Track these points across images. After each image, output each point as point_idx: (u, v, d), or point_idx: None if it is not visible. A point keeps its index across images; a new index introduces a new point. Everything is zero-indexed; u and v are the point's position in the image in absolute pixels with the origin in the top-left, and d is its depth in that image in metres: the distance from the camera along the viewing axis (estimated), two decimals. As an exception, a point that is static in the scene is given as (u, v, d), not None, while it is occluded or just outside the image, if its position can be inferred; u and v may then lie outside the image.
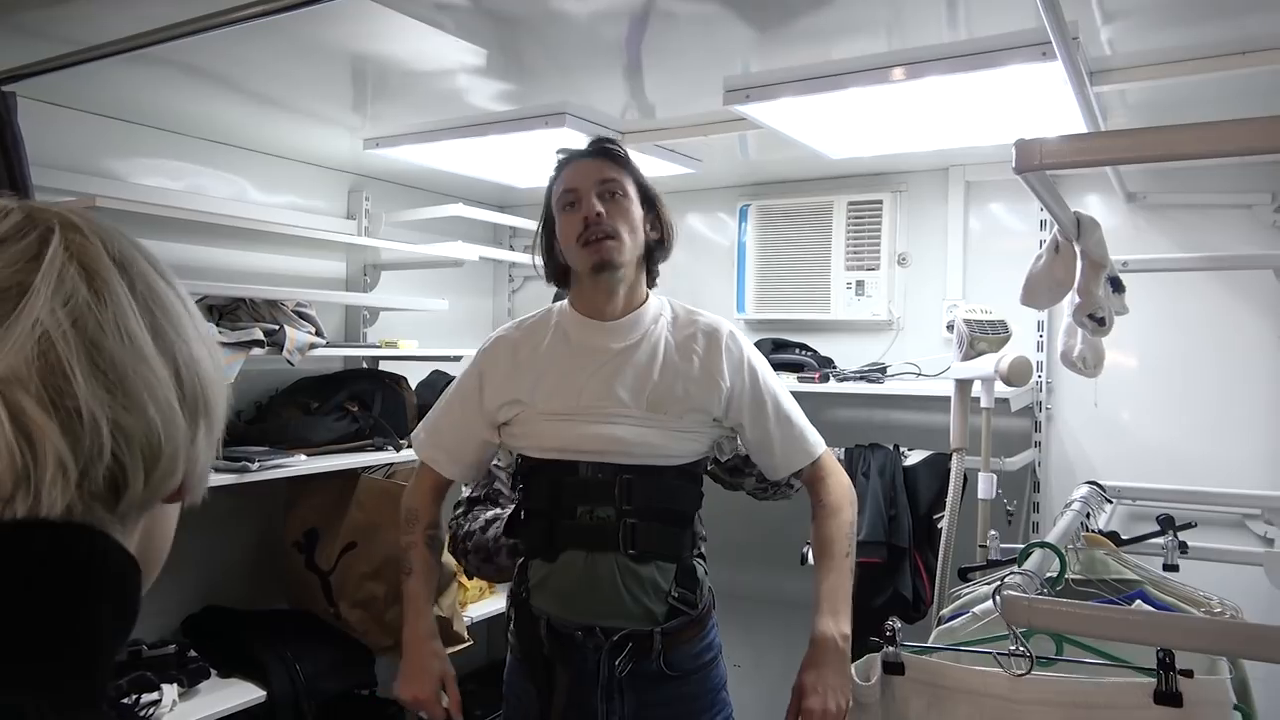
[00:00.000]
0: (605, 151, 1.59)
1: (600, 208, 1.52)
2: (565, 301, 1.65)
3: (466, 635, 2.55)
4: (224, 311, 2.35)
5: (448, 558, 2.51)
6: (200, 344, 0.57)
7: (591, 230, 1.51)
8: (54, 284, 0.50)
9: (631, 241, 1.55)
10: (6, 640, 0.46)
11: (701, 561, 1.63)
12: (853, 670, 1.42)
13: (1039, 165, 1.13)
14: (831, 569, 1.55)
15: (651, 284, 1.66)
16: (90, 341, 0.50)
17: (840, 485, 1.62)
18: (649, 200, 1.61)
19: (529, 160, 2.68)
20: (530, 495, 1.60)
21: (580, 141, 2.27)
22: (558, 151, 1.64)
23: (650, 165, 2.70)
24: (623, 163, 1.59)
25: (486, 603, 2.85)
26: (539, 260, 1.66)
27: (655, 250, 1.62)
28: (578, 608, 1.51)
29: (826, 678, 1.42)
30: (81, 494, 0.49)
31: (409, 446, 2.63)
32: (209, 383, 0.57)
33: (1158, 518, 2.13)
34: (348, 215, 3.07)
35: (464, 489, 2.07)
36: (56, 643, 0.48)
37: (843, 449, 2.67)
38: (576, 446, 1.52)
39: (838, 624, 1.49)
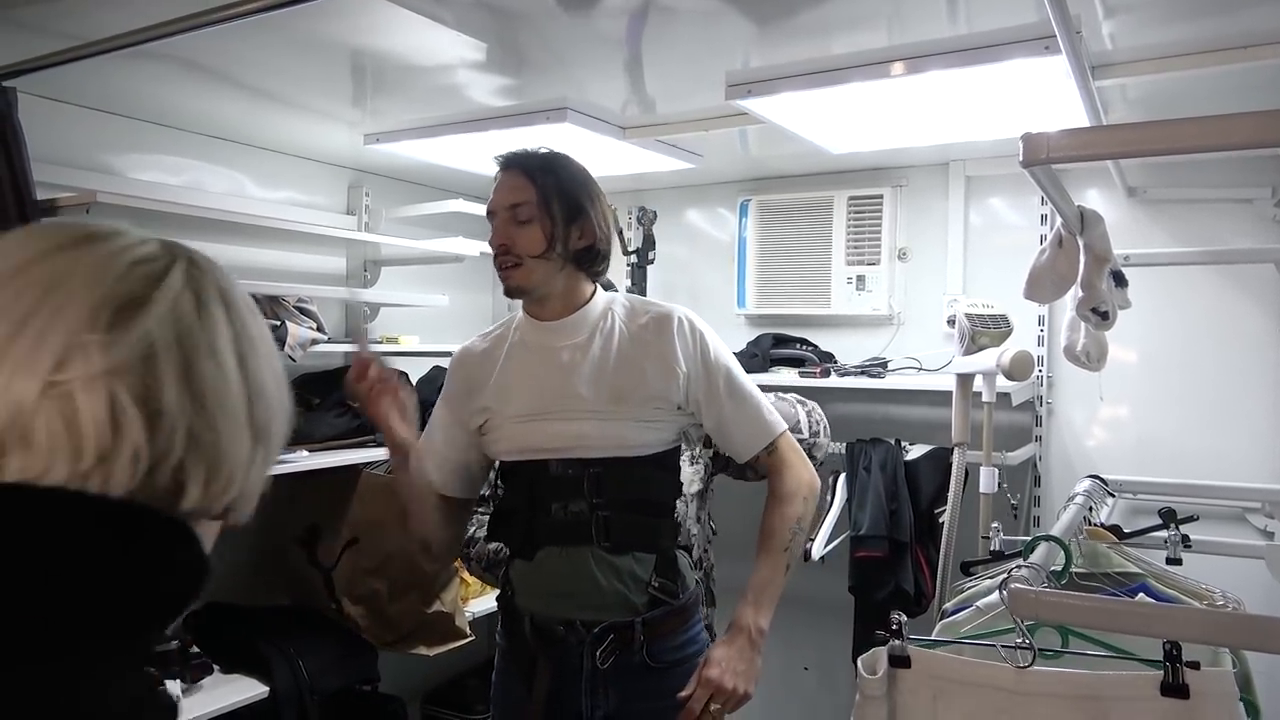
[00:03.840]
0: (517, 164, 1.58)
1: (504, 237, 1.55)
2: (521, 307, 1.68)
3: (468, 630, 2.55)
4: (225, 308, 2.34)
5: (449, 553, 2.52)
6: (272, 375, 0.64)
7: (499, 259, 1.56)
8: (169, 304, 0.58)
9: (539, 263, 1.56)
10: (68, 591, 0.51)
11: (685, 553, 1.64)
12: (859, 664, 1.42)
13: (1046, 159, 1.13)
14: (766, 561, 1.56)
15: (598, 282, 1.66)
16: (186, 357, 0.57)
17: (796, 477, 1.62)
18: (572, 210, 1.57)
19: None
20: (508, 496, 1.63)
21: (581, 139, 2.27)
22: (495, 158, 1.64)
23: (650, 160, 2.69)
24: (534, 177, 1.56)
25: (488, 598, 2.84)
26: None
27: (584, 256, 1.59)
28: (559, 602, 1.53)
29: (733, 659, 1.46)
30: (144, 488, 0.55)
31: (410, 442, 2.63)
32: (275, 411, 0.64)
33: (1159, 511, 2.13)
34: (348, 211, 3.06)
35: None
36: (109, 600, 0.53)
37: (844, 444, 2.67)
38: (544, 445, 1.55)
39: (757, 616, 1.52)
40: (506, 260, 1.56)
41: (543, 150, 1.62)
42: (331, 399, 2.57)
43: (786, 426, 1.65)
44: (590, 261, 1.61)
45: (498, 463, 1.66)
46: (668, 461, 1.61)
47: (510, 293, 1.59)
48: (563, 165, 1.61)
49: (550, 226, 1.55)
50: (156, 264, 0.60)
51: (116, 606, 0.53)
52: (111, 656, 0.54)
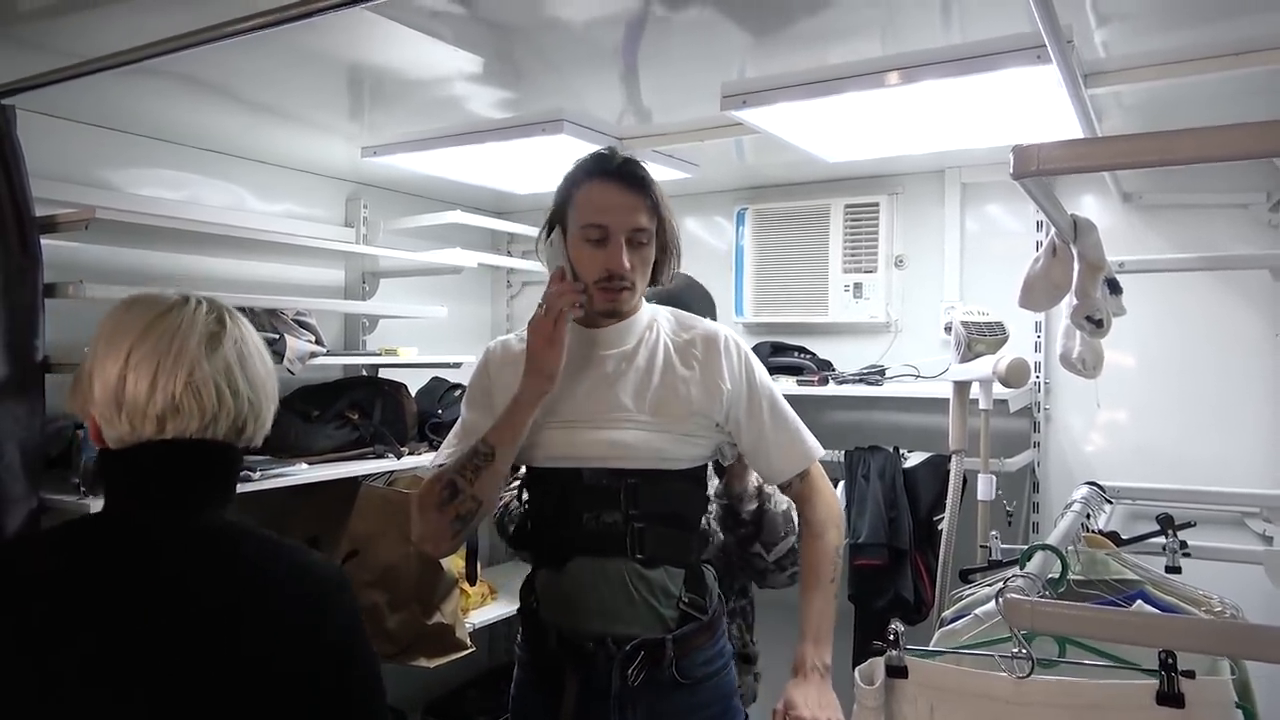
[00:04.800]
0: (639, 183, 1.51)
1: (629, 262, 1.48)
2: None
3: (469, 641, 2.54)
4: (223, 321, 2.34)
5: (448, 563, 2.52)
6: (271, 371, 1.18)
7: (615, 282, 1.49)
8: (232, 337, 1.12)
9: (643, 284, 1.55)
10: (202, 488, 1.09)
11: (710, 567, 1.63)
12: (856, 674, 1.42)
13: (1036, 171, 1.14)
14: (818, 596, 1.55)
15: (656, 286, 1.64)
16: (243, 363, 1.12)
17: (827, 505, 1.61)
18: (675, 230, 1.57)
19: (527, 166, 2.68)
20: (536, 504, 1.60)
21: (578, 150, 2.27)
22: (583, 157, 1.56)
23: (648, 171, 2.70)
24: (651, 196, 1.51)
25: (488, 609, 2.85)
26: (542, 251, 1.60)
27: (658, 267, 1.58)
28: (588, 616, 1.50)
29: (812, 697, 1.45)
30: (229, 432, 1.11)
31: (410, 454, 2.63)
32: (274, 385, 1.19)
33: (1157, 517, 2.13)
34: (346, 223, 3.07)
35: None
36: (221, 489, 1.12)
37: (842, 452, 2.67)
38: (581, 453, 1.51)
39: (819, 653, 1.50)
40: (621, 284, 1.50)
41: (629, 158, 1.54)
42: (331, 411, 2.57)
43: (822, 452, 1.64)
44: (660, 274, 1.59)
45: (523, 469, 1.62)
46: (699, 476, 1.60)
47: (608, 316, 1.53)
48: (651, 176, 1.55)
49: (661, 249, 1.55)
50: (215, 314, 1.13)
51: (224, 486, 1.13)
52: (224, 507, 1.12)
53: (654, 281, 1.59)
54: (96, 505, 1.91)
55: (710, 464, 1.84)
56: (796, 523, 1.73)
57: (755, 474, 1.80)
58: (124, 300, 1.12)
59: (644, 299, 1.62)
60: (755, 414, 1.57)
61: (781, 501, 1.83)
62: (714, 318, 2.02)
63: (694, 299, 2.01)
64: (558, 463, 1.54)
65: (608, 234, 1.48)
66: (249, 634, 1.01)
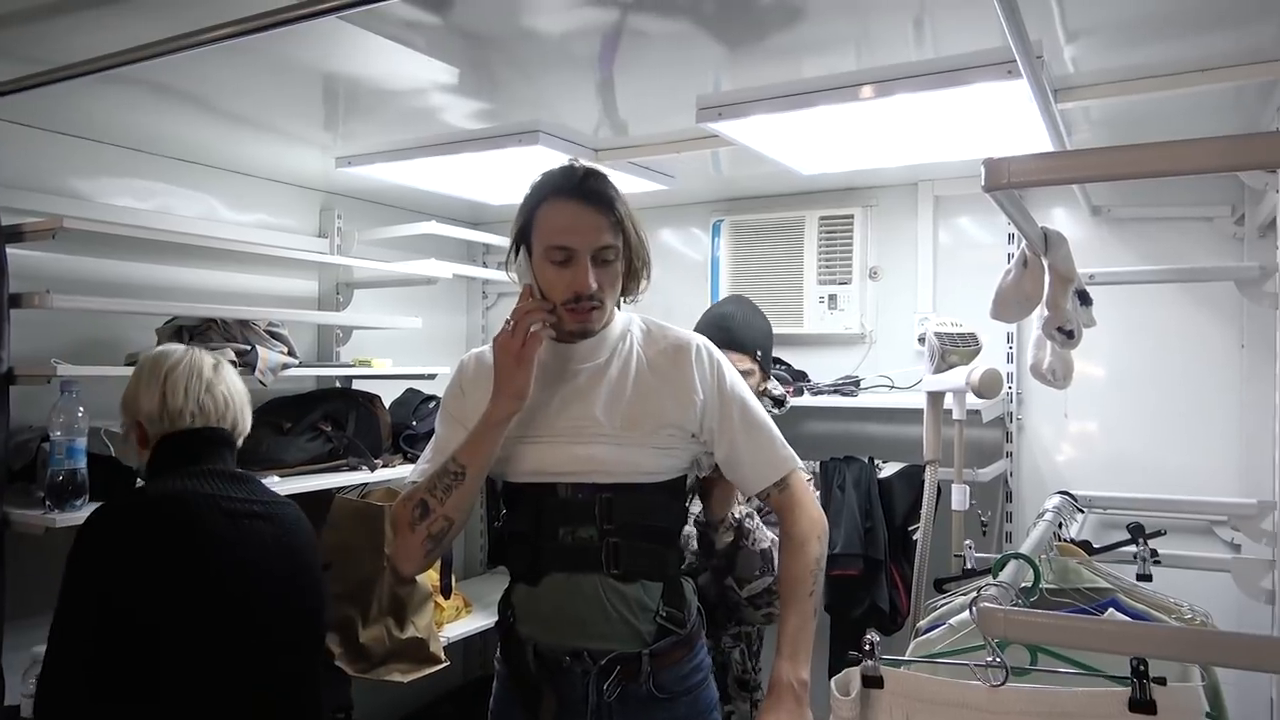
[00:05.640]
0: (603, 199, 1.49)
1: (595, 283, 1.46)
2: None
3: (443, 656, 2.52)
4: (195, 332, 2.32)
5: (422, 576, 2.50)
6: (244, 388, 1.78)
7: (583, 302, 1.48)
8: (227, 369, 1.75)
9: (613, 300, 1.54)
10: (194, 456, 1.64)
11: (689, 580, 1.62)
12: (832, 685, 1.42)
13: (1007, 184, 1.15)
14: (794, 611, 1.52)
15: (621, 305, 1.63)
16: (236, 383, 1.75)
17: (809, 517, 1.58)
18: (641, 244, 1.55)
19: (502, 178, 2.68)
20: (511, 520, 1.58)
21: (554, 161, 2.27)
22: (545, 174, 1.54)
23: (624, 182, 2.69)
24: (615, 212, 1.49)
25: (463, 623, 2.82)
26: (512, 273, 1.60)
27: (627, 282, 1.57)
28: (564, 631, 1.49)
29: (783, 718, 1.44)
30: (232, 426, 1.71)
31: (384, 466, 2.61)
32: (248, 399, 1.79)
33: (1128, 526, 2.16)
34: (319, 234, 3.05)
35: None
36: (231, 454, 1.71)
37: (818, 462, 2.68)
38: (555, 469, 1.51)
39: (796, 669, 1.47)
40: (589, 304, 1.48)
41: (593, 169, 1.53)
42: (303, 423, 2.55)
43: (800, 464, 1.61)
44: (635, 284, 1.58)
45: (500, 485, 1.61)
46: (677, 488, 1.58)
47: (580, 335, 1.52)
48: (617, 190, 1.53)
49: (628, 265, 1.53)
50: (214, 355, 1.76)
51: (232, 453, 1.71)
52: (232, 465, 1.70)
53: (625, 294, 1.58)
54: (64, 519, 1.89)
55: (691, 484, 1.82)
56: (777, 564, 1.70)
57: (738, 506, 1.78)
58: (149, 356, 1.72)
59: (617, 310, 1.61)
60: (727, 423, 1.56)
61: (763, 540, 1.78)
62: (768, 332, 2.06)
63: (745, 315, 2.05)
64: (532, 478, 1.53)
65: (573, 255, 1.46)
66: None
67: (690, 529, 1.87)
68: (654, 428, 1.51)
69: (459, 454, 1.48)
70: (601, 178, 1.52)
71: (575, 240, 1.46)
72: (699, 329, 2.09)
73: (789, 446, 1.61)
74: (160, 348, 1.74)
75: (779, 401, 2.07)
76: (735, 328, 2.00)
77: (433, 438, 1.62)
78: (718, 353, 1.61)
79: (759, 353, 2.00)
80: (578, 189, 1.49)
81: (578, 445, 1.50)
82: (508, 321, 1.49)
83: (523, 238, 1.54)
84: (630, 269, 1.55)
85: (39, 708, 1.48)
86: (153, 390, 1.64)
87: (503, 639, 1.59)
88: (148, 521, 1.53)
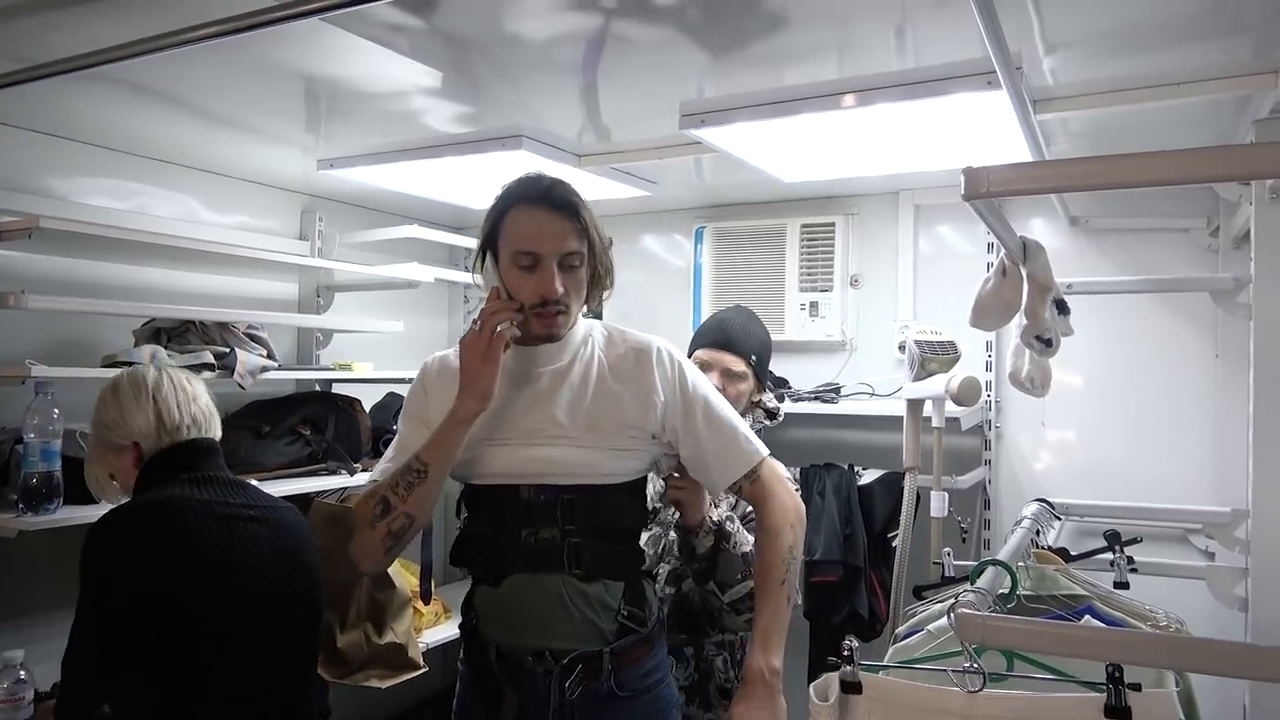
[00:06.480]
0: (568, 207, 1.52)
1: (561, 287, 1.49)
2: None
3: (422, 661, 2.51)
4: (172, 334, 2.30)
5: (401, 581, 2.49)
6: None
7: (549, 307, 1.50)
8: (203, 387, 1.77)
9: (578, 306, 1.56)
10: (190, 465, 1.66)
11: (650, 580, 1.63)
12: (811, 691, 1.43)
13: (986, 193, 1.16)
14: (767, 600, 1.53)
15: (590, 313, 1.65)
16: (209, 401, 1.75)
17: (781, 506, 1.58)
18: (605, 249, 1.57)
19: (485, 182, 2.66)
20: (473, 521, 1.60)
21: (537, 167, 2.27)
22: (512, 182, 1.56)
23: (606, 188, 2.71)
24: (580, 219, 1.52)
25: (441, 628, 2.81)
26: (479, 279, 1.62)
27: (590, 289, 1.59)
28: (526, 631, 1.50)
29: (754, 711, 1.45)
30: (204, 434, 1.71)
31: (363, 471, 2.59)
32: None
33: (1105, 534, 2.18)
34: (300, 236, 3.03)
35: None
36: (206, 464, 1.68)
37: (798, 469, 2.69)
38: (517, 470, 1.52)
39: (768, 658, 1.48)
40: (555, 309, 1.50)
41: (557, 180, 1.55)
42: (282, 427, 2.53)
43: (768, 453, 1.61)
44: (598, 292, 1.60)
45: (463, 487, 1.62)
46: (638, 488, 1.60)
47: (545, 340, 1.54)
48: (582, 199, 1.55)
49: (593, 271, 1.55)
50: (190, 371, 1.92)
51: (221, 463, 1.72)
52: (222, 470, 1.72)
53: (589, 302, 1.60)
54: (37, 522, 1.87)
55: (658, 489, 1.82)
56: None
57: (714, 509, 1.79)
58: (114, 380, 1.70)
59: (581, 316, 1.62)
60: (690, 422, 1.57)
61: (744, 543, 1.79)
62: (766, 343, 2.06)
63: (744, 321, 2.07)
64: (494, 480, 1.55)
65: (539, 260, 1.49)
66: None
67: (672, 535, 1.88)
68: (615, 429, 1.53)
69: (422, 452, 1.50)
70: (567, 186, 1.55)
71: (542, 246, 1.49)
72: (697, 331, 2.11)
73: (756, 439, 1.62)
74: (129, 369, 1.74)
75: (772, 414, 2.08)
76: (731, 330, 2.02)
77: (395, 437, 1.64)
78: (679, 354, 1.62)
79: (753, 358, 2.00)
80: (544, 197, 1.52)
81: (540, 447, 1.52)
82: (475, 321, 1.51)
83: (489, 244, 1.56)
84: (594, 276, 1.57)
85: (61, 710, 1.56)
86: (144, 409, 1.65)
87: (465, 641, 1.61)
88: (143, 526, 1.55)
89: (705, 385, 1.62)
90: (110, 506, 1.61)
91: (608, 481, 1.53)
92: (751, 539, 1.78)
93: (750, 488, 1.59)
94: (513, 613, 1.52)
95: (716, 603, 1.83)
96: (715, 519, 1.78)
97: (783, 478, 1.63)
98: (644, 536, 1.89)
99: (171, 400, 1.68)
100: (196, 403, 1.70)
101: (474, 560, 1.60)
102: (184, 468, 1.65)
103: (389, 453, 1.62)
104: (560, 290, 1.49)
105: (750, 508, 1.71)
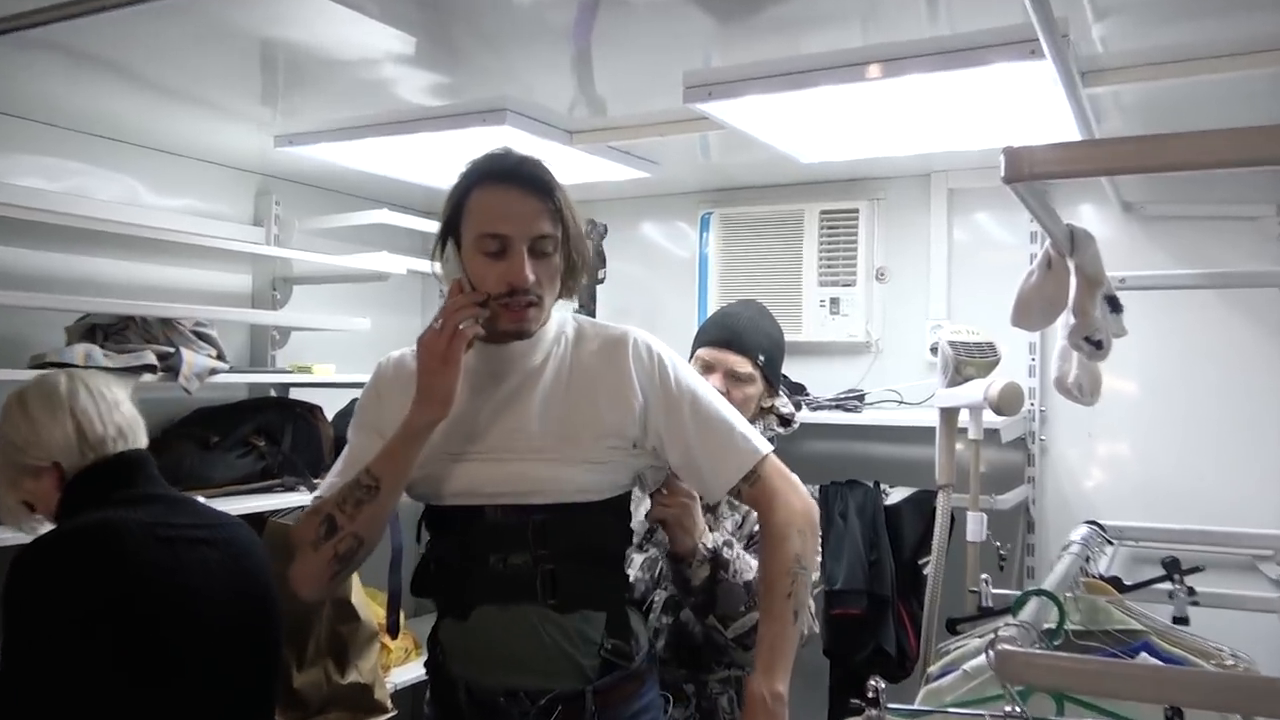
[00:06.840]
0: (541, 185, 1.51)
1: (532, 275, 1.47)
2: None
3: (389, 705, 2.50)
4: (110, 332, 2.30)
5: (367, 613, 2.48)
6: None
7: (519, 297, 1.48)
8: (117, 385, 1.74)
9: (551, 298, 1.55)
10: (124, 482, 1.65)
11: (637, 610, 1.62)
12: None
13: (1029, 175, 1.16)
14: (771, 616, 1.50)
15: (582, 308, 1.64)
16: (135, 412, 1.73)
17: (788, 509, 1.54)
18: (580, 233, 1.56)
19: (464, 162, 2.67)
20: (436, 546, 1.59)
21: (523, 144, 2.28)
22: (477, 158, 1.55)
23: (601, 168, 2.72)
24: (554, 199, 1.51)
25: (412, 666, 2.80)
26: (439, 269, 1.61)
27: (564, 281, 1.58)
28: (498, 669, 1.49)
29: None
30: (130, 446, 1.69)
31: (325, 487, 2.59)
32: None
33: (1162, 561, 2.18)
34: (255, 222, 3.03)
35: None
36: (142, 480, 1.67)
37: (817, 486, 2.68)
38: (483, 489, 1.51)
39: (770, 682, 1.46)
40: (526, 299, 1.48)
41: (527, 157, 1.55)
42: (233, 437, 2.53)
43: (770, 450, 1.58)
44: (573, 282, 1.58)
45: (423, 508, 1.61)
46: (620, 506, 1.59)
47: (514, 336, 1.52)
48: (555, 178, 1.54)
49: (567, 260, 1.53)
50: (109, 374, 1.86)
51: (157, 477, 1.72)
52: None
53: (564, 295, 1.58)
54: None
55: (643, 512, 1.81)
56: None
57: (709, 534, 1.77)
58: (18, 394, 1.67)
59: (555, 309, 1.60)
60: (676, 421, 1.54)
61: (746, 570, 1.77)
62: (779, 342, 2.04)
63: (752, 316, 2.06)
64: (456, 500, 1.53)
65: (507, 244, 1.47)
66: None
67: (665, 563, 1.87)
68: (592, 439, 1.51)
69: (373, 466, 1.48)
70: (538, 163, 1.53)
71: (510, 228, 1.47)
72: (699, 328, 2.10)
73: (756, 435, 1.59)
74: (33, 382, 1.70)
75: (786, 420, 2.07)
76: (737, 327, 1.99)
77: (345, 449, 1.62)
78: (659, 344, 1.60)
79: (761, 358, 1.97)
80: (513, 173, 1.50)
81: (508, 463, 1.50)
82: (435, 319, 1.48)
83: (451, 229, 1.54)
84: (569, 264, 1.55)
85: None
86: (61, 423, 1.62)
87: (432, 679, 1.61)
88: (77, 553, 1.52)
89: (692, 378, 1.60)
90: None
91: (584, 499, 1.51)
92: (755, 563, 1.76)
93: (750, 490, 1.55)
94: (481, 648, 1.51)
95: (720, 639, 1.82)
96: (710, 545, 1.75)
97: (789, 476, 1.59)
98: (638, 560, 1.90)
99: (91, 410, 1.64)
100: (119, 410, 1.67)
101: (437, 590, 1.59)
102: (116, 485, 1.63)
103: (337, 465, 1.61)
104: (531, 278, 1.46)
105: (758, 526, 1.68)
